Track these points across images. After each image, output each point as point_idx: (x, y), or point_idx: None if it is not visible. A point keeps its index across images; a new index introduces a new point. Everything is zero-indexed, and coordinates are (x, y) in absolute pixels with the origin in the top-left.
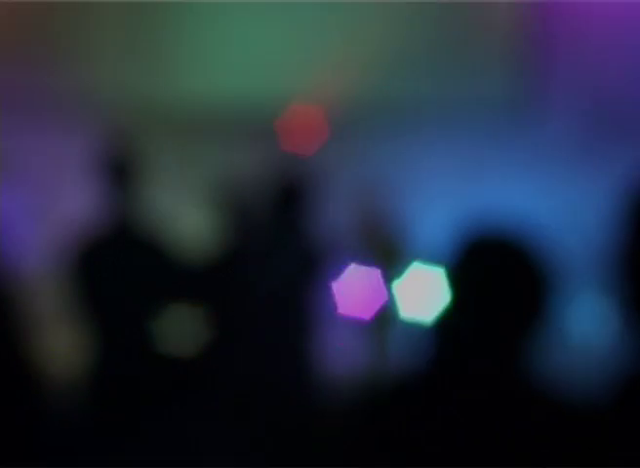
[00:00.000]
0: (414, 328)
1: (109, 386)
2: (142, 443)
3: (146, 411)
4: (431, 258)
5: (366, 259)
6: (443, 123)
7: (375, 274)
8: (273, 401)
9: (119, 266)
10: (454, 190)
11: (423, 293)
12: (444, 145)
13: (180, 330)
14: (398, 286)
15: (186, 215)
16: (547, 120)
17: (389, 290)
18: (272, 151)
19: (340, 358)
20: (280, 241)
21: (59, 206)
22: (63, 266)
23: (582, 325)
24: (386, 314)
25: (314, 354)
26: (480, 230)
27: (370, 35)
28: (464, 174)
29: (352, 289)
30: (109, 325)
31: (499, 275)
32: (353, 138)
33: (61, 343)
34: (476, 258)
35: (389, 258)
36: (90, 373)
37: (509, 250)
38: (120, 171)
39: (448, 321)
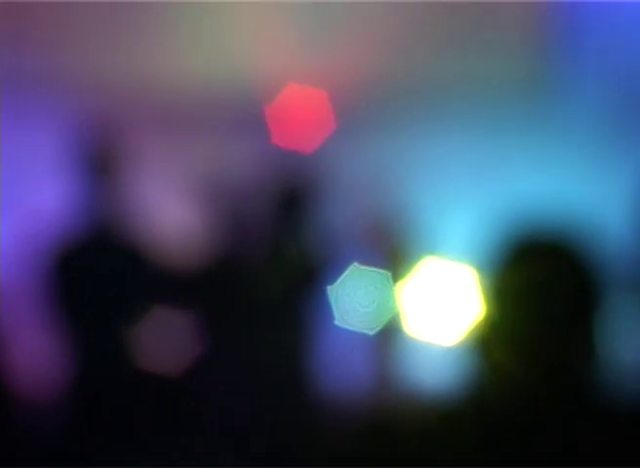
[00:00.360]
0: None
1: (86, 404)
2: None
3: (126, 430)
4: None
5: (375, 264)
6: (463, 108)
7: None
8: (271, 422)
9: (98, 271)
10: (478, 184)
11: (438, 301)
12: (464, 135)
13: (166, 342)
14: (408, 292)
15: (173, 215)
16: (575, 104)
17: (399, 297)
18: (269, 144)
19: (344, 373)
20: (279, 246)
21: (29, 202)
22: (35, 271)
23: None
24: (393, 325)
25: (315, 369)
26: (520, 228)
27: (379, 9)
28: (488, 164)
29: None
30: (87, 336)
31: (549, 278)
32: (363, 129)
33: (35, 353)
34: (525, 261)
35: (402, 265)
36: (65, 390)
37: (560, 249)
38: (100, 164)
39: (488, 333)
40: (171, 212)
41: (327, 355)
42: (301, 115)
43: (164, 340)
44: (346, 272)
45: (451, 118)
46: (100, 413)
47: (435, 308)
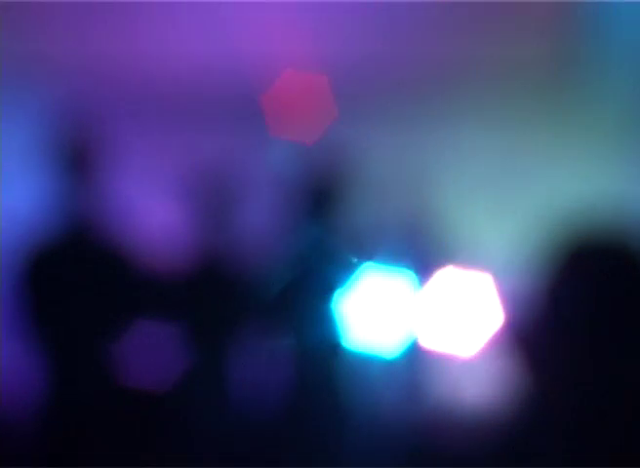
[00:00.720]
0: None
1: (62, 422)
2: None
3: (104, 453)
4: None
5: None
6: (492, 94)
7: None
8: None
9: (75, 277)
10: (517, 179)
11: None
12: (492, 124)
13: (149, 353)
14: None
15: (158, 214)
16: (608, 91)
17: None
18: (265, 134)
19: (362, 393)
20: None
21: None
22: (6, 277)
23: None
24: (413, 341)
25: (333, 391)
26: (573, 228)
27: None
28: (525, 156)
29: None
30: (63, 348)
31: (608, 283)
32: (380, 120)
33: (9, 363)
34: (580, 265)
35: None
36: (40, 408)
37: (620, 252)
38: (77, 158)
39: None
40: (156, 212)
41: (340, 371)
42: (300, 104)
43: (146, 352)
44: (360, 275)
45: (473, 108)
46: (79, 426)
47: (455, 318)
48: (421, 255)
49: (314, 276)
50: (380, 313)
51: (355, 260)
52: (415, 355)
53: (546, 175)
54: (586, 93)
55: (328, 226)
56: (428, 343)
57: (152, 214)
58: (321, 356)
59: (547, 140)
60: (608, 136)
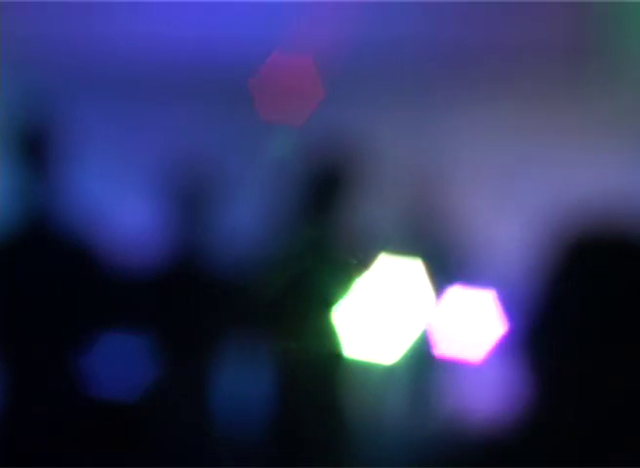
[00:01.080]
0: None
1: (24, 439)
2: None
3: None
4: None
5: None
6: (504, 81)
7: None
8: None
9: (34, 277)
10: (526, 170)
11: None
12: (504, 112)
13: (120, 364)
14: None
15: (126, 209)
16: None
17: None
18: (248, 120)
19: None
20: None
21: None
22: None
23: None
24: (421, 349)
25: (330, 403)
26: (582, 225)
27: None
28: (536, 146)
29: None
30: (22, 355)
31: (616, 284)
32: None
33: None
34: (585, 264)
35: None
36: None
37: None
38: (36, 146)
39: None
40: (126, 208)
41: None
42: (288, 85)
43: (116, 360)
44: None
45: (487, 90)
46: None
47: (461, 326)
48: (429, 253)
49: (309, 280)
50: (381, 318)
51: (356, 263)
52: (417, 362)
53: (561, 167)
54: (608, 84)
55: (328, 225)
56: (432, 350)
57: (122, 209)
58: (317, 365)
59: (565, 130)
60: (628, 128)
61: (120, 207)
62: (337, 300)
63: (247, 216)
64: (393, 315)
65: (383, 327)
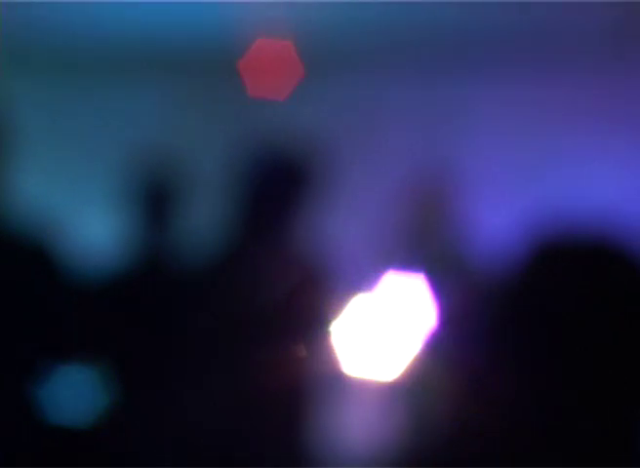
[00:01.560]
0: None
1: None
2: None
3: None
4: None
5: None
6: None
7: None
8: None
9: None
10: (524, 170)
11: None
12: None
13: (78, 386)
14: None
15: (84, 211)
16: None
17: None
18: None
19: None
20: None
21: None
22: None
23: None
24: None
25: (307, 425)
26: (558, 229)
27: None
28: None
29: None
30: None
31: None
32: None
33: None
34: (549, 269)
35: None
36: None
37: (601, 255)
38: None
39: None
40: (83, 208)
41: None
42: (271, 66)
43: (71, 385)
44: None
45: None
46: None
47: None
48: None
49: (294, 294)
50: (380, 335)
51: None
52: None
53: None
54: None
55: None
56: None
57: (78, 213)
58: (313, 383)
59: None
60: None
61: (76, 210)
62: (329, 318)
63: (209, 219)
64: (392, 331)
65: (382, 343)
